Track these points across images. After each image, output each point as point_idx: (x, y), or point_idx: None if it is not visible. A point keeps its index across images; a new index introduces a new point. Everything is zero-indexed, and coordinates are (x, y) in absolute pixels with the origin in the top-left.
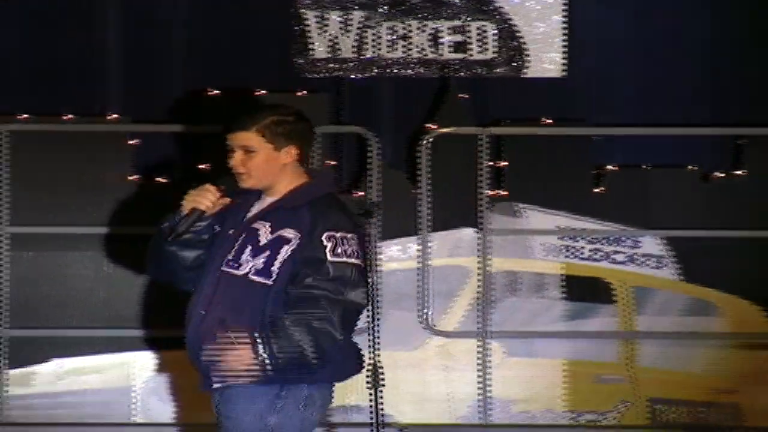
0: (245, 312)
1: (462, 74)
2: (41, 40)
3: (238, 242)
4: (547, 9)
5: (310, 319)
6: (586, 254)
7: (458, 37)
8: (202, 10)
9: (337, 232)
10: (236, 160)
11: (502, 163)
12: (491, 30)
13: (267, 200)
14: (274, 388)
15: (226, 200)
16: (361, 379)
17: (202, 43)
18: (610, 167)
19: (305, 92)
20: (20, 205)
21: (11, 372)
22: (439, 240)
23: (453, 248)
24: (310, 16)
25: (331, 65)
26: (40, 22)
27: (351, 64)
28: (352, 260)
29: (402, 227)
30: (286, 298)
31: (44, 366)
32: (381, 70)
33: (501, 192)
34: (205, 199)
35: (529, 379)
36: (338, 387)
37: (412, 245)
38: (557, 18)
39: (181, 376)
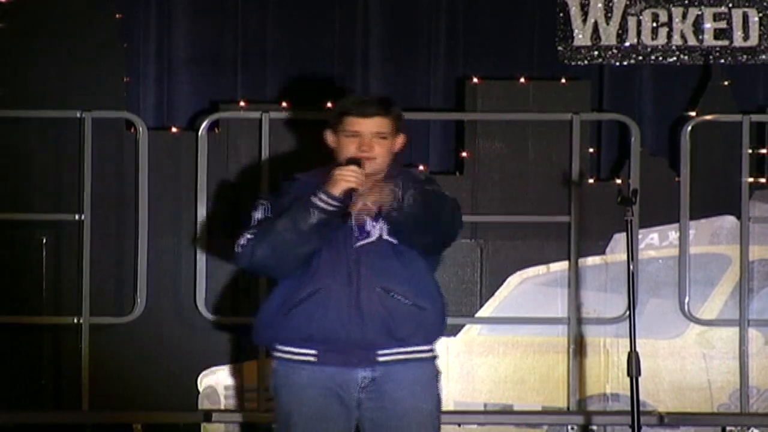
0: (396, 273)
1: (724, 61)
2: (303, 27)
3: (353, 220)
4: None
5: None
6: None
7: (721, 24)
8: None
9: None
10: (368, 144)
11: (763, 151)
12: (755, 16)
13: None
14: (432, 366)
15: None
16: (619, 367)
17: (465, 30)
18: None
19: (565, 80)
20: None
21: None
22: (698, 228)
23: (713, 236)
24: (573, 3)
25: (593, 53)
26: (303, 9)
27: (612, 52)
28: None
29: (661, 215)
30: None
31: None
32: (642, 58)
33: (762, 179)
34: (356, 179)
35: None
36: (596, 376)
37: (671, 233)
38: None
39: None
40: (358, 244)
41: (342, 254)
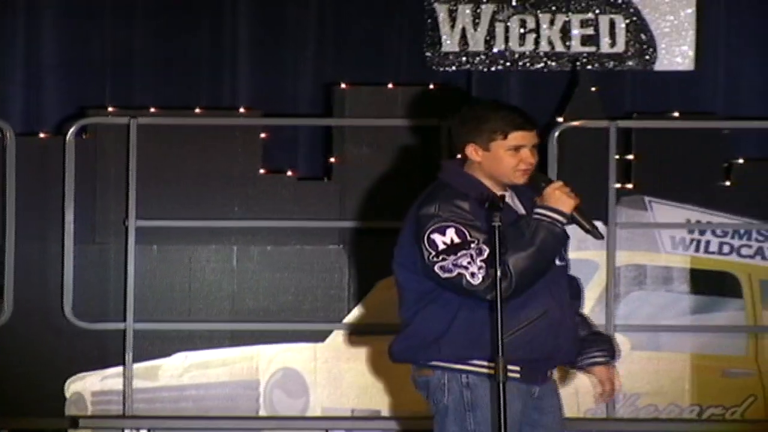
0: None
1: (591, 67)
2: (172, 33)
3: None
4: (678, 2)
5: None
6: (713, 248)
7: (588, 30)
8: (334, 3)
9: None
10: (532, 157)
11: (630, 157)
12: (621, 23)
13: (508, 193)
14: None
15: None
16: None
17: (334, 36)
18: (739, 160)
19: (433, 86)
20: (147, 198)
21: (137, 365)
22: None
23: (580, 241)
24: (441, 9)
25: (461, 58)
26: (171, 14)
27: (480, 58)
28: None
29: None
30: None
31: (170, 359)
32: (510, 64)
33: (629, 185)
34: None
35: (655, 372)
36: None
37: None
38: (689, 11)
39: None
40: (558, 263)
41: (551, 274)
